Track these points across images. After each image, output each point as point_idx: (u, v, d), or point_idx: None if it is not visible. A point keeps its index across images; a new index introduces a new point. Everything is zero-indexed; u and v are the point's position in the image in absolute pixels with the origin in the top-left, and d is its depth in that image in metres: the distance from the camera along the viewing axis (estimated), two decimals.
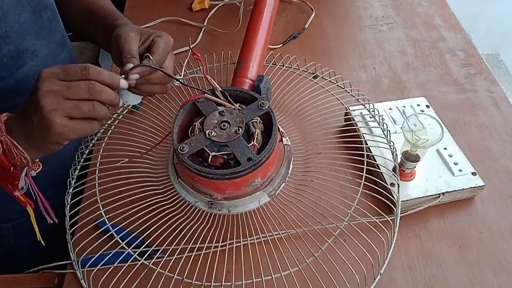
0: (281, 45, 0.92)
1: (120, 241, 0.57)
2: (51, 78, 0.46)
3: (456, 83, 0.84)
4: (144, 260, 0.57)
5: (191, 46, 0.91)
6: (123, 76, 0.51)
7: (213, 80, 0.57)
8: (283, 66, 0.80)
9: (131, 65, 0.51)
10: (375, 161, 0.65)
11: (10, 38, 0.57)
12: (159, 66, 0.54)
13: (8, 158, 0.48)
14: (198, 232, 0.58)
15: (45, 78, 0.46)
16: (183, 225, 0.58)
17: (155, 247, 0.57)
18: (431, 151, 0.67)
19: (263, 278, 0.54)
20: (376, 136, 0.68)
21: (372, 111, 0.71)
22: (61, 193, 0.64)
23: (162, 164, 0.64)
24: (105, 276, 0.55)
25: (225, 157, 0.53)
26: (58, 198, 0.62)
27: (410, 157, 0.62)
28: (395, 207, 0.60)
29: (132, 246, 0.57)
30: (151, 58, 0.53)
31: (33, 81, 0.62)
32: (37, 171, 0.52)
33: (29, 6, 0.59)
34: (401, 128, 0.62)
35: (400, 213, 0.60)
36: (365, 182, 0.61)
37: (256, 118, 0.56)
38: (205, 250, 0.57)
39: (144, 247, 0.58)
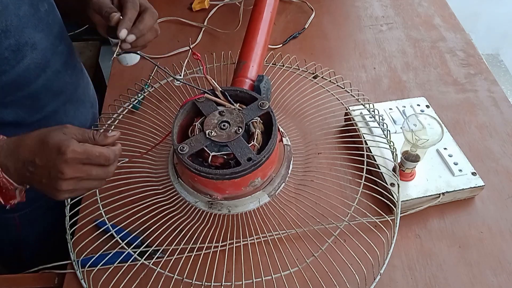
0: (281, 45, 0.92)
1: (120, 241, 0.57)
2: (74, 166, 0.47)
3: (456, 83, 0.84)
4: (144, 260, 0.57)
5: (191, 46, 0.91)
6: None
7: (213, 80, 0.57)
8: (283, 66, 0.80)
9: (115, 15, 0.57)
10: (375, 161, 0.65)
11: (11, 32, 0.57)
12: (136, 10, 0.58)
13: (2, 192, 0.49)
14: (198, 232, 0.58)
15: (69, 163, 0.46)
16: (183, 225, 0.58)
17: (155, 247, 0.57)
18: (431, 151, 0.67)
19: (263, 278, 0.54)
20: (376, 136, 0.68)
21: (372, 111, 0.71)
22: None
23: (162, 164, 0.64)
24: (105, 276, 0.55)
25: (225, 157, 0.53)
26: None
27: (410, 157, 0.62)
28: (395, 207, 0.60)
29: (132, 246, 0.57)
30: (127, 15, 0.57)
31: (34, 73, 0.62)
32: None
33: None
34: (401, 128, 0.62)
35: (400, 213, 0.60)
36: (365, 182, 0.61)
37: (256, 118, 0.56)
38: (205, 250, 0.57)
39: (144, 247, 0.58)
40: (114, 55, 0.58)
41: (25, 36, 0.59)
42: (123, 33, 0.56)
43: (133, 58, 0.63)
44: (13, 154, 0.48)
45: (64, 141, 0.46)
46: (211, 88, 0.58)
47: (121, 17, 0.57)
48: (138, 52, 0.60)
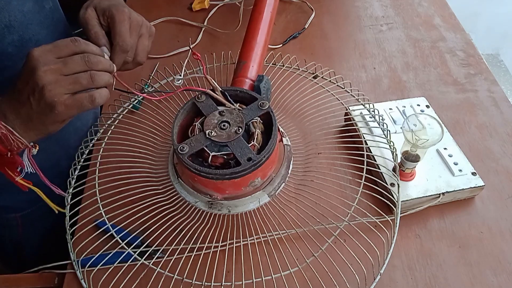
0: (281, 45, 0.92)
1: (120, 241, 0.57)
2: (45, 57, 0.45)
3: (456, 83, 0.84)
4: (144, 260, 0.57)
5: (191, 46, 0.91)
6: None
7: (213, 80, 0.57)
8: (283, 66, 0.80)
9: (104, 49, 0.54)
10: (375, 161, 0.65)
11: (14, 27, 0.57)
12: (126, 52, 0.55)
13: (5, 145, 0.47)
14: (198, 232, 0.58)
15: (38, 57, 0.45)
16: (183, 225, 0.58)
17: (155, 247, 0.57)
18: (431, 151, 0.67)
19: (263, 278, 0.54)
20: (376, 136, 0.68)
21: (372, 111, 0.71)
22: (67, 183, 0.65)
23: (162, 164, 0.64)
24: (105, 276, 0.55)
25: (225, 157, 0.53)
26: (64, 189, 0.62)
27: (410, 157, 0.62)
28: (395, 207, 0.60)
29: (132, 246, 0.57)
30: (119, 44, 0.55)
31: None
32: (36, 149, 0.51)
33: None
34: (401, 128, 0.62)
35: (400, 213, 0.60)
36: (365, 182, 0.61)
37: (256, 118, 0.56)
38: (205, 250, 0.57)
39: (144, 247, 0.58)
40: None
41: (30, 32, 0.59)
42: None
43: None
44: (5, 98, 0.48)
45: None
46: (211, 88, 0.58)
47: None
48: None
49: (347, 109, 0.73)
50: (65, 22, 0.68)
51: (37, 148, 0.51)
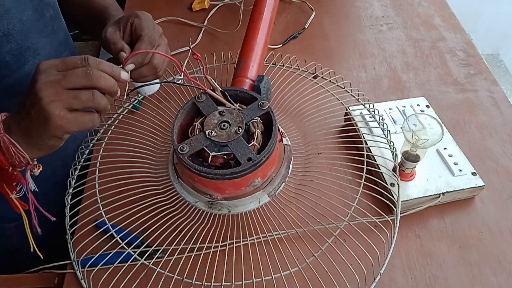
0: (281, 45, 0.92)
1: (120, 241, 0.57)
2: (49, 70, 0.44)
3: (456, 83, 0.84)
4: (144, 260, 0.57)
5: (191, 46, 0.91)
6: (120, 66, 0.50)
7: (213, 80, 0.57)
8: (283, 66, 0.80)
9: (124, 54, 0.52)
10: (375, 161, 0.65)
11: (13, 36, 0.56)
12: (152, 46, 0.55)
13: (6, 157, 0.46)
14: (198, 232, 0.58)
15: (43, 70, 0.44)
16: (183, 225, 0.58)
17: (155, 247, 0.57)
18: (431, 151, 0.67)
19: (263, 278, 0.54)
20: (376, 136, 0.68)
21: (372, 111, 0.71)
22: (64, 193, 0.64)
23: (162, 164, 0.64)
24: (105, 276, 0.55)
25: (225, 157, 0.53)
26: (61, 198, 0.62)
27: (410, 157, 0.62)
28: (395, 207, 0.60)
29: (132, 246, 0.57)
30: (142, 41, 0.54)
31: None
32: (39, 170, 0.50)
33: (31, 4, 0.59)
34: (401, 128, 0.62)
35: (400, 213, 0.60)
36: (365, 182, 0.61)
37: (256, 118, 0.56)
38: (205, 250, 0.57)
39: (144, 247, 0.58)
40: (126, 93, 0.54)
41: (29, 41, 0.59)
42: (124, 76, 0.50)
43: (151, 88, 0.62)
44: (12, 112, 0.47)
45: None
46: (211, 88, 0.58)
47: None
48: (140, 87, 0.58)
49: (347, 109, 0.73)
50: (66, 30, 0.67)
51: (40, 169, 0.50)
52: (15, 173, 0.48)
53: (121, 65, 0.51)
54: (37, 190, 0.50)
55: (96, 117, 0.47)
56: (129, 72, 0.52)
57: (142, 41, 0.54)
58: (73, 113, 0.45)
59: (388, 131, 0.67)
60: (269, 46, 0.85)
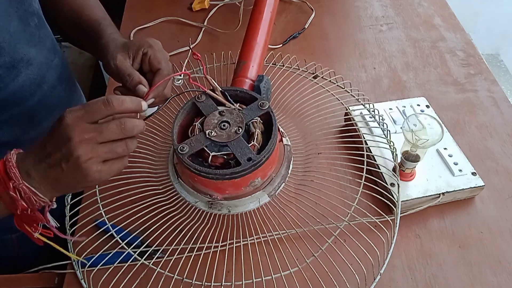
0: (281, 45, 0.92)
1: (120, 241, 0.57)
2: (80, 125, 0.44)
3: (456, 83, 0.84)
4: (144, 260, 0.57)
5: (191, 46, 0.91)
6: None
7: (213, 80, 0.57)
8: (283, 66, 0.80)
9: (143, 88, 0.54)
10: (375, 161, 0.65)
11: (4, 49, 0.56)
12: (170, 71, 0.57)
13: (27, 204, 0.46)
14: (198, 232, 0.58)
15: (72, 125, 0.43)
16: (183, 225, 0.58)
17: (155, 247, 0.57)
18: (431, 151, 0.67)
19: (263, 278, 0.54)
20: (376, 136, 0.68)
21: (372, 111, 0.71)
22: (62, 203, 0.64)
23: (162, 164, 0.64)
24: (105, 276, 0.55)
25: (225, 157, 0.53)
26: (61, 198, 0.62)
27: (410, 157, 0.62)
28: (395, 207, 0.60)
29: (132, 246, 0.57)
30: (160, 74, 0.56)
31: (29, 90, 0.60)
32: (54, 201, 0.49)
33: (16, 14, 0.58)
34: (401, 128, 0.62)
35: (400, 213, 0.60)
36: (365, 182, 0.61)
37: (256, 118, 0.56)
38: (205, 250, 0.57)
39: (144, 247, 0.58)
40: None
41: (20, 52, 0.58)
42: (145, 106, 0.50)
43: (154, 109, 0.62)
44: (28, 156, 0.46)
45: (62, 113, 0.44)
46: (211, 88, 0.58)
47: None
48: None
49: (347, 109, 0.73)
50: (52, 37, 0.67)
51: (55, 201, 0.49)
52: (35, 213, 0.47)
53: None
54: (58, 225, 0.49)
55: (125, 160, 0.48)
56: (151, 102, 0.54)
57: (161, 75, 0.56)
58: (107, 164, 0.46)
59: (388, 131, 0.67)
60: (269, 46, 0.85)
